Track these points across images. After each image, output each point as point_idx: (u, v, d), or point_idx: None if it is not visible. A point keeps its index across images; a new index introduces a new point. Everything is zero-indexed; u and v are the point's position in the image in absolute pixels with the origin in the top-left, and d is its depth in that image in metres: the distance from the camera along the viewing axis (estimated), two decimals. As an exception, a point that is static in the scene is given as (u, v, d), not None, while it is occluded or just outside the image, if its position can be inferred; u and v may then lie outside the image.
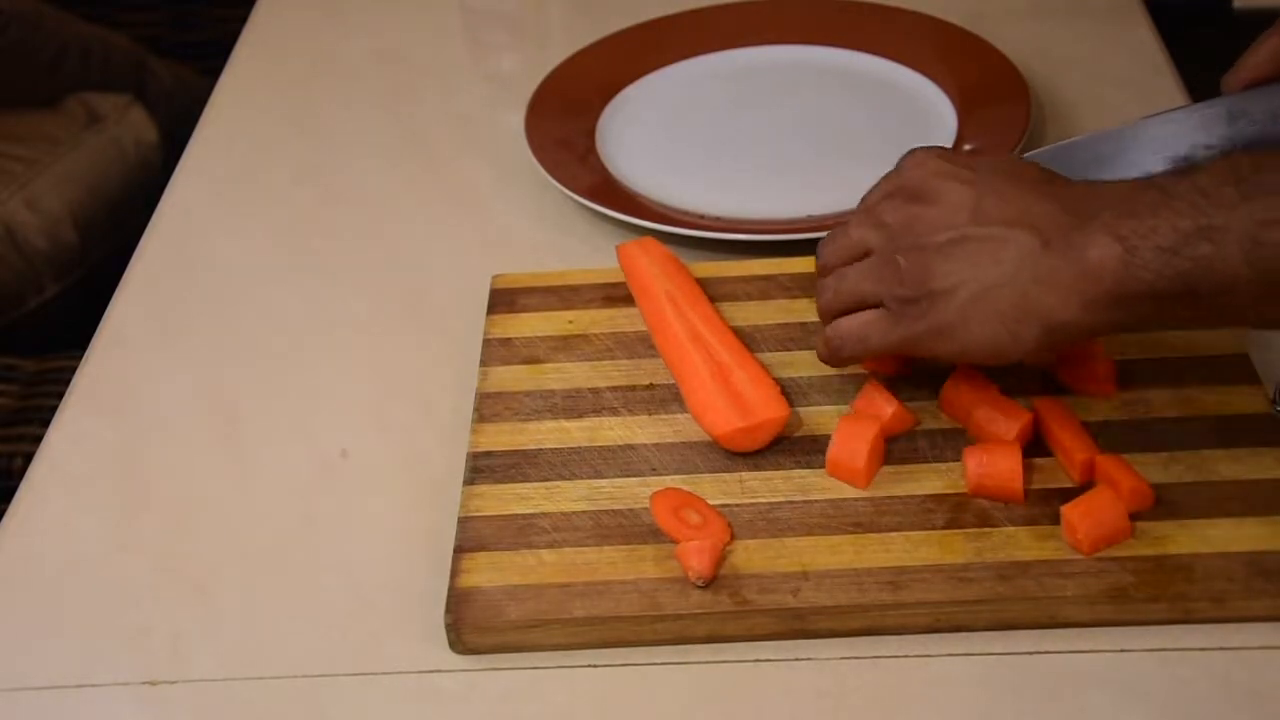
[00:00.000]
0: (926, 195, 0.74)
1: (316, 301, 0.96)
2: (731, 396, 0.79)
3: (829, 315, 0.78)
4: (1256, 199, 0.65)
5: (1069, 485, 0.74)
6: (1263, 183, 0.65)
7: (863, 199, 0.79)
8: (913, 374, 0.81)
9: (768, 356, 0.83)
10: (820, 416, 0.80)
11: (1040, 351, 0.71)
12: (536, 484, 0.77)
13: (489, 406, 0.82)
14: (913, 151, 0.78)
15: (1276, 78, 0.80)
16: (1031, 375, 0.79)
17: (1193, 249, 0.65)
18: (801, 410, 0.80)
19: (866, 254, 0.76)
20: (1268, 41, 0.80)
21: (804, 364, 0.83)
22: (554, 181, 0.99)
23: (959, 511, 0.74)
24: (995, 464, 0.73)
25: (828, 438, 0.76)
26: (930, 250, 0.72)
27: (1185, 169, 0.73)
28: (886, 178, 0.78)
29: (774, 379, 0.81)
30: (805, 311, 0.86)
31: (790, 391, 0.81)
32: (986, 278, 0.71)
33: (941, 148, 0.78)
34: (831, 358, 0.78)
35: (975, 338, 0.71)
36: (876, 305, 0.75)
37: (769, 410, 0.78)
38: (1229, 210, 0.65)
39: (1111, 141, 0.83)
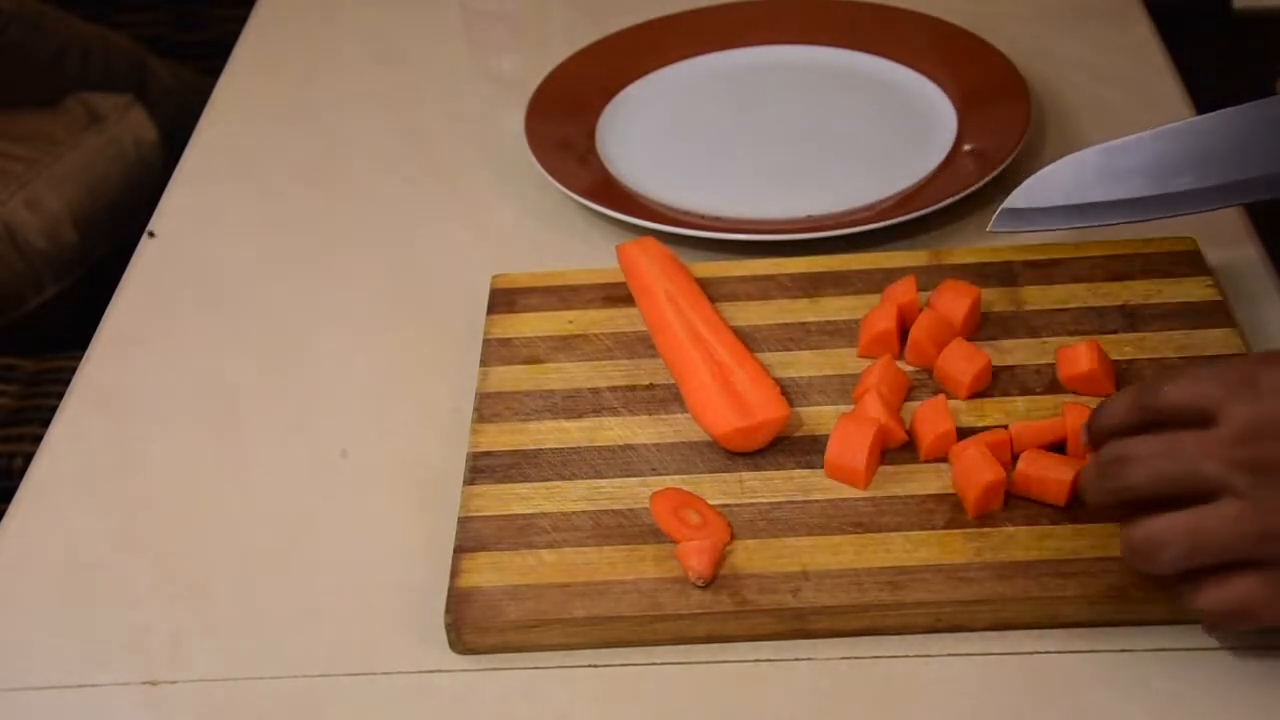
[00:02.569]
0: None
1: (316, 301, 0.96)
2: (731, 396, 0.79)
3: (1159, 569, 0.64)
4: None
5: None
6: None
7: (1152, 400, 0.64)
8: (912, 384, 0.81)
9: (768, 356, 0.83)
10: (820, 416, 0.80)
11: None
12: (536, 484, 0.77)
13: (489, 406, 0.82)
14: (1266, 363, 0.63)
15: None
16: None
17: None
18: (801, 410, 0.80)
19: (1210, 496, 0.62)
20: None
21: (804, 364, 0.83)
22: (554, 181, 0.99)
23: (959, 511, 0.74)
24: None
25: (828, 437, 0.76)
26: None
27: None
28: (1230, 386, 0.62)
29: (774, 379, 0.81)
30: (805, 311, 0.86)
31: (790, 391, 0.81)
32: None
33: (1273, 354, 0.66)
34: (1211, 630, 0.66)
35: None
36: (1245, 564, 0.62)
37: (769, 410, 0.78)
38: None
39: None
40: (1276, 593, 0.61)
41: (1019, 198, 0.87)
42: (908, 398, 0.80)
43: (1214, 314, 0.83)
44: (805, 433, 0.79)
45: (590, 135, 1.06)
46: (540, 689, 0.70)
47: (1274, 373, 0.62)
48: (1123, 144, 0.86)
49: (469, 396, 0.84)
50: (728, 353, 0.82)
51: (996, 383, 0.80)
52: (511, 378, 0.84)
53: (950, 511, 0.74)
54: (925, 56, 1.10)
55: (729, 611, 0.70)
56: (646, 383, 0.83)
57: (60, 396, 0.90)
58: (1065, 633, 0.70)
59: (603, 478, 0.77)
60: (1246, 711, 0.67)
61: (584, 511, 0.75)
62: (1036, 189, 0.86)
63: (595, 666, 0.71)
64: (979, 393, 0.80)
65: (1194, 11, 1.37)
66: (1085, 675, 0.68)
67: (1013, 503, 0.73)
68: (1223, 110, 0.84)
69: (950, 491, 0.74)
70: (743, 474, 0.77)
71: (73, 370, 0.92)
